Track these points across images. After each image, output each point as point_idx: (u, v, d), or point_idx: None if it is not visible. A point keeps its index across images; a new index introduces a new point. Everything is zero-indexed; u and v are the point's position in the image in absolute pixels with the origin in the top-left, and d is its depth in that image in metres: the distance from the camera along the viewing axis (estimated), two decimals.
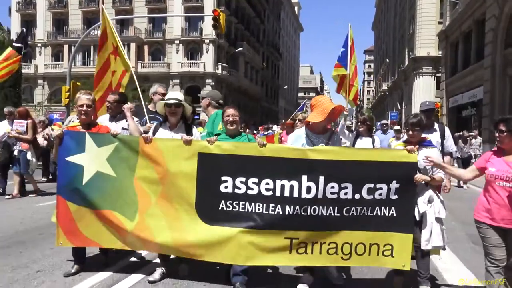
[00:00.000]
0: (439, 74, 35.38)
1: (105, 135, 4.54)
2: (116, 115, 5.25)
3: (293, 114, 19.39)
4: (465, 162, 14.67)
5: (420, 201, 4.17)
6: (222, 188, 4.25)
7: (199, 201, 4.30)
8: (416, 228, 4.17)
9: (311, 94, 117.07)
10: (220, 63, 46.67)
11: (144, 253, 5.24)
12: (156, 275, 4.47)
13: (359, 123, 6.21)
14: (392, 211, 4.14)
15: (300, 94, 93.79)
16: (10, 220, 7.24)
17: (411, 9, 44.04)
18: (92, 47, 43.75)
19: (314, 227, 4.17)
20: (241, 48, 49.77)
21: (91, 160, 4.45)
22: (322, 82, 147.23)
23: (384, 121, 12.85)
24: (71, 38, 46.19)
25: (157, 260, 4.86)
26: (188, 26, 47.01)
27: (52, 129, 11.87)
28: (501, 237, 3.77)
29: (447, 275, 4.90)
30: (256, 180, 4.20)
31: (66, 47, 47.03)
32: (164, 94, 5.40)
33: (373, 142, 6.00)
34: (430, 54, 39.49)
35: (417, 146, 4.20)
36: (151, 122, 5.33)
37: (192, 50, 47.23)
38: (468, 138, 15.42)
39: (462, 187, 13.10)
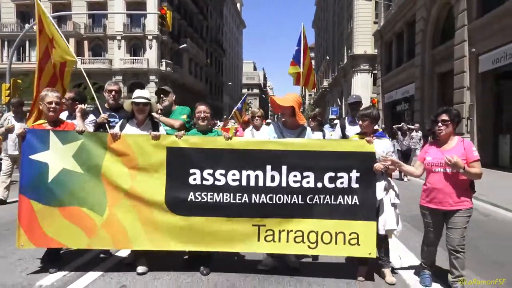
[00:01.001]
0: (376, 71, 36.81)
1: (70, 132, 4.55)
2: (73, 113, 5.28)
3: (235, 108, 19.81)
4: (404, 154, 14.55)
5: (378, 189, 4.39)
6: (190, 180, 4.46)
7: (168, 194, 4.47)
8: None
9: (255, 91, 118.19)
10: (164, 60, 45.91)
11: None
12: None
13: (309, 119, 6.69)
14: (355, 200, 4.39)
15: (244, 90, 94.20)
16: None
17: (348, 9, 45.11)
18: (27, 42, 41.76)
19: (280, 214, 4.45)
20: (185, 45, 49.31)
21: (56, 157, 4.45)
22: (265, 78, 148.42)
23: (331, 116, 13.96)
24: (4, 33, 43.71)
25: (119, 254, 5.12)
26: (130, 22, 45.78)
27: None
28: (441, 219, 4.22)
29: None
30: (223, 171, 4.47)
31: None
32: (111, 91, 5.34)
33: (323, 136, 6.39)
34: (367, 52, 40.76)
35: (374, 137, 4.47)
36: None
37: (135, 46, 46.10)
38: (407, 132, 15.25)
39: (403, 179, 13.52)
